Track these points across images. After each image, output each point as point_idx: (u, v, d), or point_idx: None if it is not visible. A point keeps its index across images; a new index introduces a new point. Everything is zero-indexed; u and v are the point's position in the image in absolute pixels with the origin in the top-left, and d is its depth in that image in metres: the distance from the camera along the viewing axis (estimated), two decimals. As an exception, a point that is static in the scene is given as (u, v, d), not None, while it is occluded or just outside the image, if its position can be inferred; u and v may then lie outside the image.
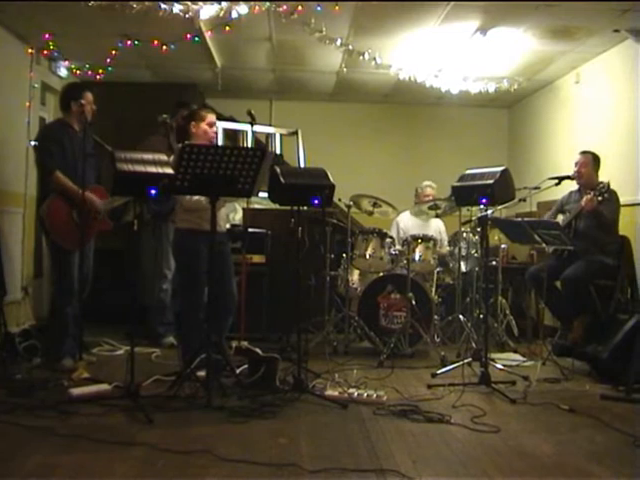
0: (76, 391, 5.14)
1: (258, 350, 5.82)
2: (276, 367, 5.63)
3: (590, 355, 6.51)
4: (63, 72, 8.75)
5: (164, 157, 5.11)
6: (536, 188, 7.41)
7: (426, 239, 7.58)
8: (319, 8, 6.69)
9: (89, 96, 6.38)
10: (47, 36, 7.63)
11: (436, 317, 7.70)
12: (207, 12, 6.62)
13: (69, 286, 6.25)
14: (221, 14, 6.63)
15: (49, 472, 3.72)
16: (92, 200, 6.21)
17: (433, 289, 7.94)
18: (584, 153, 7.31)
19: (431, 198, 8.23)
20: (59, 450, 4.08)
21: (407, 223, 8.54)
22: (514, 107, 11.13)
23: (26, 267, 8.19)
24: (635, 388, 5.74)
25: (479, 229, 7.48)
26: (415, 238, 7.56)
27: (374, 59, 8.06)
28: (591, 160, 7.24)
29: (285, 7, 6.67)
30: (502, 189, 5.79)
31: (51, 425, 4.50)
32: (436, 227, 8.64)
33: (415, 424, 4.79)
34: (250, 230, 7.60)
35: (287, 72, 9.52)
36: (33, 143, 6.56)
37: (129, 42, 7.59)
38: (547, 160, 9.60)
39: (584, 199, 6.88)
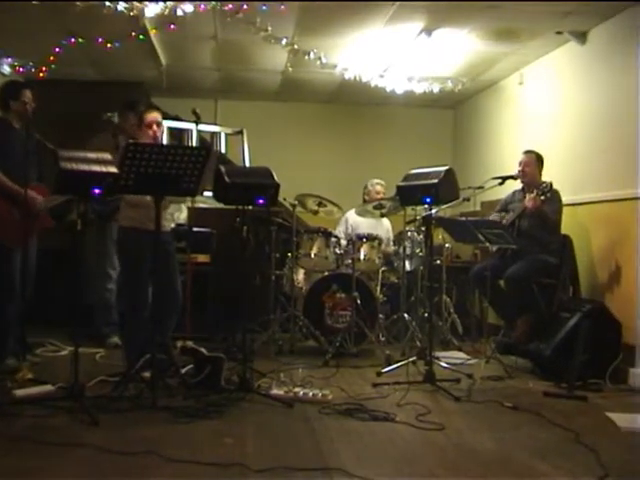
0: (20, 392, 5.09)
1: (203, 350, 5.76)
2: (221, 367, 5.59)
3: (533, 353, 6.60)
4: (6, 69, 8.61)
5: (108, 156, 5.04)
6: (480, 188, 7.49)
7: (371, 238, 7.60)
8: (264, 7, 6.67)
9: (28, 94, 6.25)
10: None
11: (381, 316, 7.73)
12: (152, 10, 6.57)
13: (10, 285, 6.13)
14: (166, 12, 6.58)
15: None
16: (33, 198, 6.11)
17: (378, 288, 7.96)
18: (528, 153, 7.38)
19: (382, 196, 8.26)
20: (3, 453, 4.02)
21: (357, 220, 8.51)
22: (458, 107, 11.22)
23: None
24: (577, 385, 5.84)
25: (424, 228, 7.51)
26: (360, 237, 7.59)
27: (319, 59, 8.04)
28: (535, 160, 7.32)
29: (230, 6, 6.64)
30: (446, 189, 5.83)
31: (-5, 427, 4.45)
32: (387, 226, 8.70)
33: (360, 423, 4.81)
34: (195, 229, 7.53)
35: (232, 71, 9.48)
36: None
37: (73, 39, 7.49)
38: (491, 160, 9.69)
39: (527, 198, 6.96)
